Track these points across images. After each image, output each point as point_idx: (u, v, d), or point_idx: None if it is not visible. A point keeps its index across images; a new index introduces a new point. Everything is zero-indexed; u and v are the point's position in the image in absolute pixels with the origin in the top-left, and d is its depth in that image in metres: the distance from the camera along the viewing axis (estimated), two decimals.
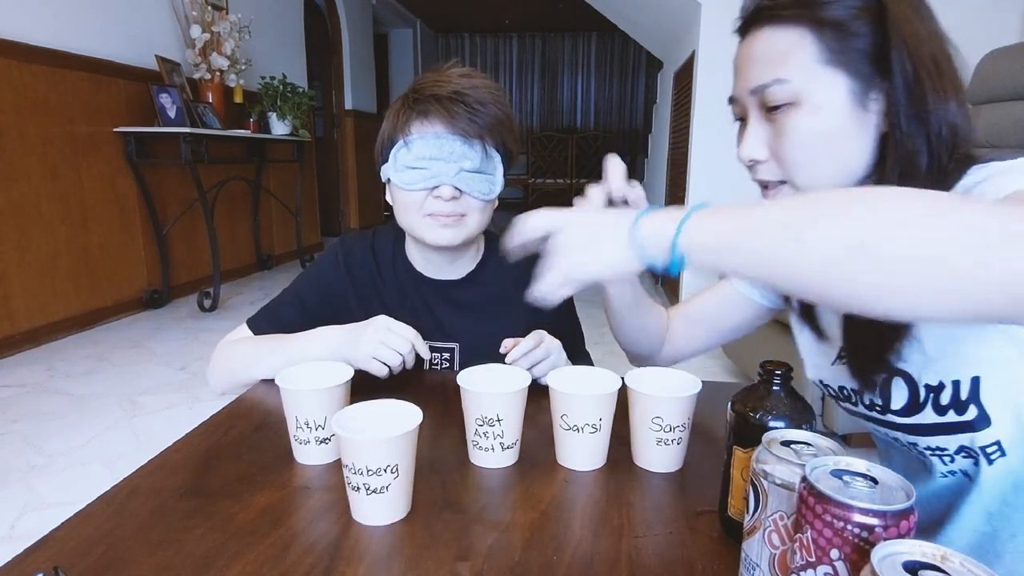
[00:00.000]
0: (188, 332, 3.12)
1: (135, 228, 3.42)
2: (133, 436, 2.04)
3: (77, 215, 3.05)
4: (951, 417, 0.58)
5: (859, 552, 0.35)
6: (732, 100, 0.66)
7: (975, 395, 0.56)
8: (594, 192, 0.69)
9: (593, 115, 9.69)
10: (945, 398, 0.58)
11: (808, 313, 0.75)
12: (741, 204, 0.45)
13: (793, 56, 0.58)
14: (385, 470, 0.54)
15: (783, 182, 0.63)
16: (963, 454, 0.60)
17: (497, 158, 0.92)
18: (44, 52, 2.84)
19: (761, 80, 0.60)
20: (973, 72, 2.18)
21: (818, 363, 0.74)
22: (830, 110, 0.58)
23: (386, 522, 0.56)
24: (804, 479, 0.38)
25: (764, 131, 0.62)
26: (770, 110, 0.61)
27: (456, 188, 0.88)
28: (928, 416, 0.60)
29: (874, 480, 0.38)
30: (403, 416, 0.58)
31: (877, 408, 0.65)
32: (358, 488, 0.55)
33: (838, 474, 0.38)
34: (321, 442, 0.66)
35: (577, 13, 6.56)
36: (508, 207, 0.94)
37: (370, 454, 0.54)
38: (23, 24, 2.76)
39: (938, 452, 0.62)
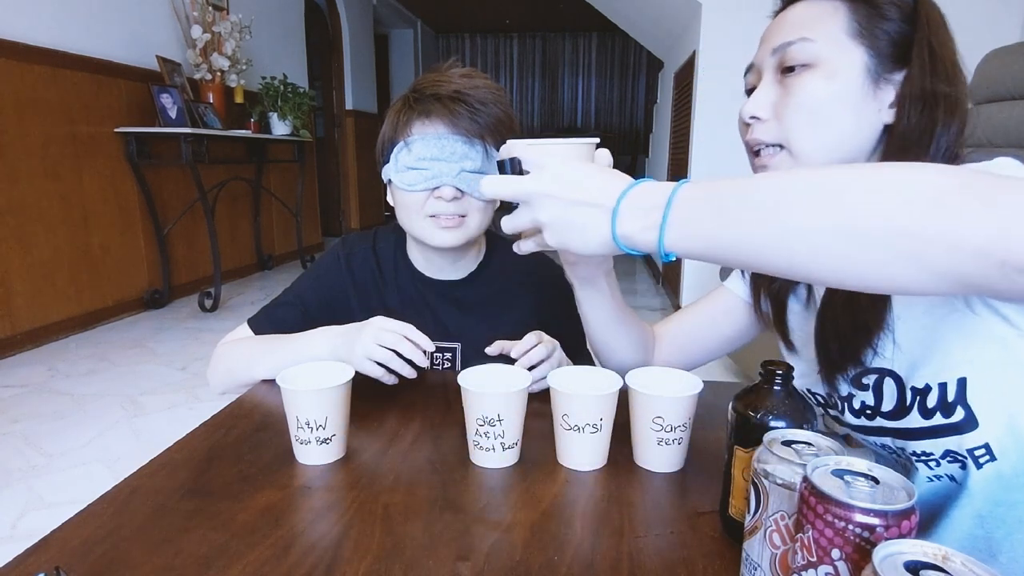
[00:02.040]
0: (189, 332, 3.13)
1: (136, 228, 3.42)
2: (134, 436, 2.04)
3: (78, 215, 3.06)
4: (937, 420, 0.58)
5: (860, 552, 0.35)
6: (748, 69, 0.68)
7: (962, 397, 0.56)
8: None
9: (594, 115, 9.69)
10: (931, 401, 0.58)
11: (779, 322, 0.75)
12: (720, 186, 0.43)
13: (823, 22, 0.61)
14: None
15: (776, 146, 0.64)
16: (949, 458, 0.59)
17: None
18: (44, 52, 2.84)
19: (789, 37, 0.62)
20: (973, 72, 2.18)
21: (804, 371, 0.73)
22: (844, 78, 0.60)
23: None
24: (805, 479, 0.38)
25: (774, 92, 0.64)
26: (785, 71, 0.63)
27: (457, 189, 0.88)
28: (915, 420, 0.60)
29: (875, 480, 0.38)
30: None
31: (867, 412, 0.65)
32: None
33: (839, 474, 0.38)
34: (322, 442, 0.66)
35: (578, 13, 6.56)
36: (509, 207, 0.93)
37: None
38: (23, 24, 2.76)
39: (924, 457, 0.61)
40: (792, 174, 0.42)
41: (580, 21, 8.18)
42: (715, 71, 3.14)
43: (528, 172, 0.53)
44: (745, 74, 0.69)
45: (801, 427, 0.49)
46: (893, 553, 0.31)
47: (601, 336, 0.82)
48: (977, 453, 0.56)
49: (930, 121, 0.59)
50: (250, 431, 0.74)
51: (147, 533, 0.54)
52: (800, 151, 0.63)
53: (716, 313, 0.86)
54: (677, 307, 3.54)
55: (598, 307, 0.79)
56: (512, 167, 0.53)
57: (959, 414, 0.56)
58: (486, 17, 8.75)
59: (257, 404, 0.83)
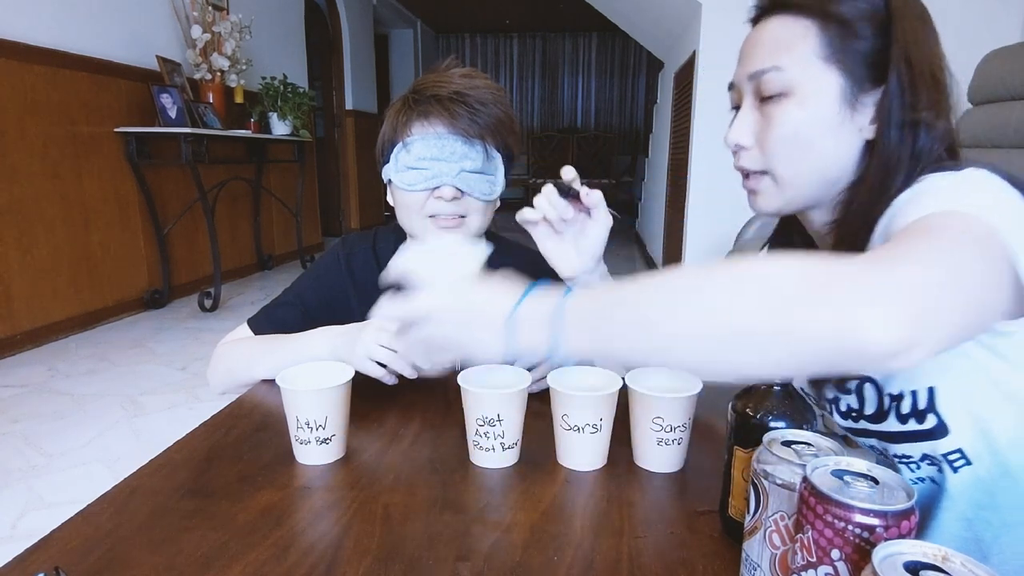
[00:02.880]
0: (189, 332, 3.13)
1: (136, 228, 3.42)
2: (134, 436, 2.04)
3: (78, 215, 3.05)
4: (912, 426, 0.59)
5: (860, 552, 0.35)
6: (731, 86, 0.68)
7: (932, 404, 0.57)
8: (549, 188, 0.76)
9: (594, 115, 9.69)
10: (905, 407, 0.59)
11: None
12: (602, 299, 0.46)
13: (795, 47, 0.60)
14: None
15: (764, 172, 0.64)
16: (927, 462, 0.60)
17: (498, 158, 0.92)
18: (44, 52, 2.84)
19: (760, 65, 0.62)
20: (973, 72, 2.18)
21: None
22: (819, 105, 0.60)
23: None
24: (805, 479, 0.38)
25: (754, 119, 0.64)
26: (764, 100, 0.62)
27: (457, 189, 0.88)
28: (893, 424, 0.61)
29: (875, 480, 0.38)
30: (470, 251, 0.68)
31: (852, 415, 0.65)
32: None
33: (839, 474, 0.38)
34: (321, 442, 0.66)
35: (578, 13, 6.56)
36: (509, 207, 0.94)
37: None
38: (23, 24, 2.76)
39: (904, 459, 0.62)
40: (665, 282, 0.44)
41: (580, 21, 8.17)
42: (715, 71, 3.14)
43: (415, 290, 0.54)
44: (728, 88, 0.69)
45: (801, 427, 0.49)
46: (893, 553, 0.31)
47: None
48: (951, 458, 0.58)
49: (911, 136, 0.58)
50: (250, 431, 0.74)
51: (147, 533, 0.54)
52: (782, 177, 0.63)
53: None
54: None
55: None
56: (401, 287, 0.54)
57: (931, 421, 0.58)
58: (486, 17, 8.74)
59: (257, 404, 0.83)
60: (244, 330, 0.98)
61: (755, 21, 0.65)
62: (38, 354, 2.77)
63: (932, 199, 0.49)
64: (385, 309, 0.54)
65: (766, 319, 0.39)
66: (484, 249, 0.65)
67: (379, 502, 0.59)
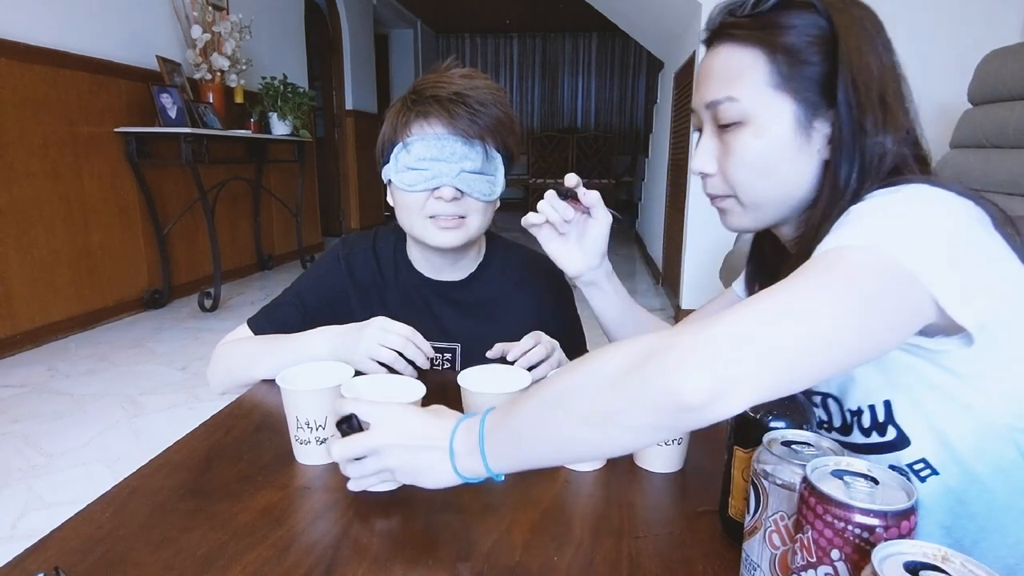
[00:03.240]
0: (189, 332, 3.13)
1: (136, 228, 3.42)
2: (134, 436, 2.04)
3: (78, 215, 3.05)
4: (875, 438, 0.60)
5: (860, 552, 0.35)
6: (692, 111, 0.69)
7: (890, 417, 0.58)
8: (550, 192, 0.78)
9: (594, 115, 9.69)
10: (865, 421, 0.60)
11: None
12: (507, 418, 0.51)
13: (746, 76, 0.60)
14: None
15: (729, 195, 0.66)
16: (896, 472, 0.61)
17: (498, 159, 0.92)
18: (44, 52, 2.84)
19: (715, 96, 0.62)
20: (973, 72, 2.18)
21: None
22: (774, 133, 0.60)
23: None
24: (805, 479, 0.38)
25: (715, 146, 0.65)
26: (722, 127, 0.63)
27: (457, 189, 0.88)
28: (858, 437, 0.62)
29: (875, 480, 0.38)
30: (407, 388, 0.68)
31: (824, 427, 0.66)
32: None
33: (839, 474, 0.38)
34: (321, 442, 0.66)
35: (578, 13, 6.55)
36: (509, 208, 0.94)
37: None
38: (23, 24, 2.76)
39: None
40: (542, 394, 0.50)
41: (580, 21, 8.17)
42: None
43: (367, 425, 0.58)
44: (690, 112, 0.70)
45: (801, 427, 0.49)
46: (893, 553, 0.31)
47: (615, 332, 0.88)
48: (916, 467, 0.58)
49: (859, 155, 0.58)
50: (250, 431, 0.74)
51: (147, 533, 0.54)
52: (746, 201, 0.65)
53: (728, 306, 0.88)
54: (677, 307, 3.54)
55: (608, 305, 0.86)
56: (352, 425, 0.58)
57: (891, 433, 0.58)
58: (486, 17, 8.74)
59: (257, 404, 0.83)
60: (244, 330, 0.98)
61: (708, 44, 0.66)
62: (38, 354, 2.77)
63: (848, 229, 0.50)
64: (338, 448, 0.57)
65: (607, 403, 0.45)
66: (422, 388, 0.68)
67: (379, 502, 0.60)
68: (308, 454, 0.67)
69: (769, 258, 0.76)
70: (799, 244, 0.63)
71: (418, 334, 0.83)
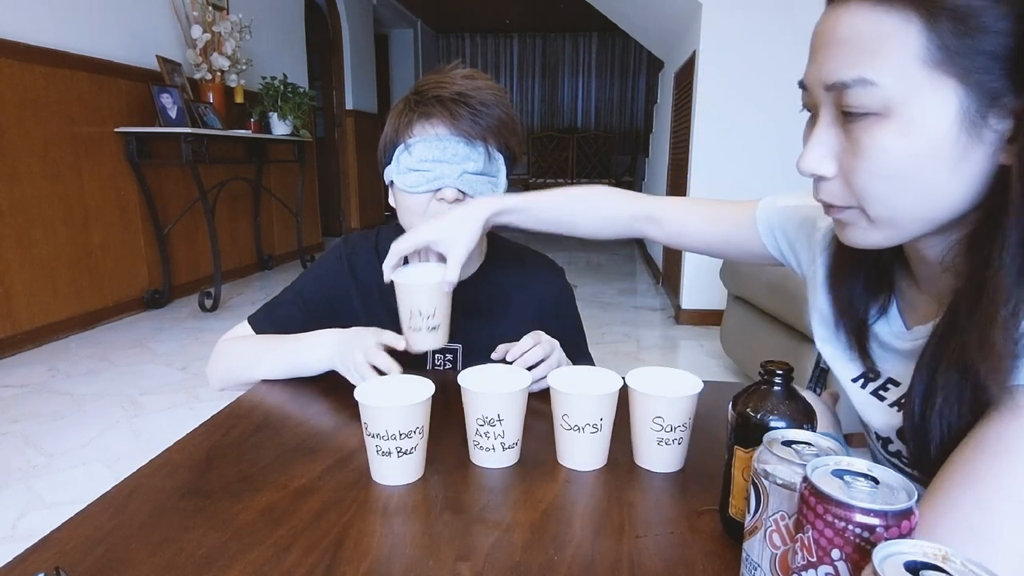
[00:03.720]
0: (189, 332, 3.13)
1: (136, 228, 3.42)
2: (134, 436, 2.04)
3: (78, 215, 3.06)
4: None
5: (860, 552, 0.35)
6: (802, 85, 0.52)
7: None
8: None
9: (594, 115, 9.69)
10: None
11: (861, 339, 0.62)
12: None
13: (890, 50, 0.44)
14: (415, 432, 0.62)
15: (852, 207, 0.51)
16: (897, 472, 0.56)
17: (500, 160, 0.92)
18: (44, 52, 2.84)
19: (840, 75, 0.46)
20: None
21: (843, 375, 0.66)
22: (929, 130, 0.44)
23: (413, 479, 0.64)
24: (805, 479, 0.38)
25: (835, 140, 0.49)
26: (848, 115, 0.47)
27: (459, 190, 0.88)
28: None
29: (875, 480, 0.38)
30: (418, 386, 0.66)
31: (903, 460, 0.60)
32: (389, 452, 0.61)
33: (839, 474, 0.38)
34: (432, 329, 0.78)
35: (578, 13, 6.56)
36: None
37: (403, 419, 0.61)
38: (23, 24, 2.76)
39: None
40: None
41: (580, 21, 8.17)
42: (715, 71, 3.14)
43: None
44: (799, 86, 0.53)
45: (801, 427, 0.49)
46: (893, 553, 0.31)
47: (557, 229, 0.86)
48: None
49: None
50: (250, 431, 0.74)
51: (147, 533, 0.54)
52: (879, 218, 0.49)
53: (741, 222, 0.78)
54: (677, 307, 3.54)
55: (529, 225, 0.85)
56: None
57: None
58: (486, 17, 8.74)
59: (257, 404, 0.83)
60: (245, 328, 0.97)
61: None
62: (38, 354, 2.77)
63: None
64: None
65: None
66: (431, 385, 0.67)
67: (379, 502, 0.60)
68: (421, 340, 0.78)
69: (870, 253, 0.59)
70: (962, 276, 0.48)
71: (389, 361, 0.81)
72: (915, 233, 0.50)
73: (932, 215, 0.48)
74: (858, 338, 0.61)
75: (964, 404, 0.47)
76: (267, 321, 0.97)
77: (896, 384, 0.59)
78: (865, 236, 0.52)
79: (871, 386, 0.62)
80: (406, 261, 0.83)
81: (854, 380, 0.64)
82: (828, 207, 0.53)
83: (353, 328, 0.87)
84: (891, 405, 0.59)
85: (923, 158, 0.45)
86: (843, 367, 0.65)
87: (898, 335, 0.59)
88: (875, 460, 0.67)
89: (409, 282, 0.77)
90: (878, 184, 0.47)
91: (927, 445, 0.50)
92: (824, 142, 0.50)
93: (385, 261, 0.80)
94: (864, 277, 0.60)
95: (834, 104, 0.48)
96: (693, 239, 0.82)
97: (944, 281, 0.52)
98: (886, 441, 0.60)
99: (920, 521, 0.35)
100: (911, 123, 0.44)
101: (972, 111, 0.43)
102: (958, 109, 0.43)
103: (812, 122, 0.51)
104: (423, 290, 0.77)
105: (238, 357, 0.93)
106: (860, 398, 0.63)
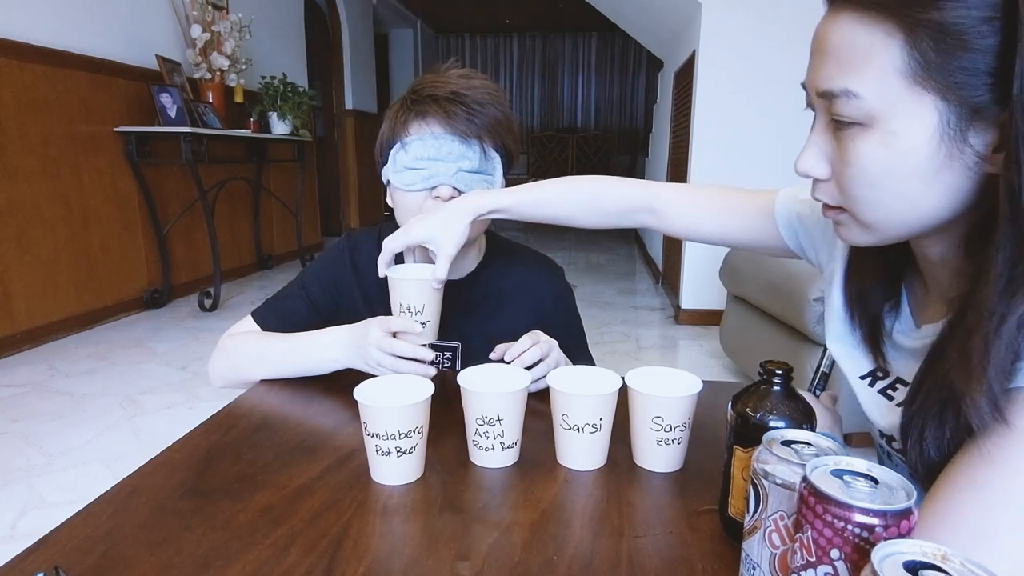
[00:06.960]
0: (189, 332, 3.13)
1: (136, 228, 3.42)
2: (133, 436, 2.04)
3: (78, 215, 3.06)
4: None
5: (859, 552, 0.35)
6: (804, 86, 0.54)
7: None
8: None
9: (594, 115, 9.70)
10: None
11: (874, 337, 0.62)
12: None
13: (874, 63, 0.45)
14: (414, 432, 0.62)
15: (843, 209, 0.53)
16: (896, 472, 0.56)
17: (496, 159, 0.92)
18: (44, 52, 2.84)
19: (828, 85, 0.48)
20: None
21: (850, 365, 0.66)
22: (907, 144, 0.45)
23: (412, 478, 0.63)
24: (805, 479, 0.38)
25: (828, 145, 0.51)
26: (837, 122, 0.49)
27: (455, 188, 0.88)
28: None
29: (875, 480, 0.38)
30: (417, 386, 0.66)
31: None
32: (389, 452, 0.61)
33: (839, 474, 0.38)
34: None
35: (578, 13, 6.56)
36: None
37: (402, 419, 0.61)
38: (23, 24, 2.76)
39: None
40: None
41: (580, 21, 8.17)
42: (715, 71, 3.14)
43: None
44: (802, 86, 0.54)
45: (801, 427, 0.49)
46: (892, 553, 0.31)
47: (552, 222, 0.86)
48: None
49: None
50: (249, 431, 0.74)
51: (146, 533, 0.54)
52: (866, 222, 0.51)
53: (762, 209, 0.77)
54: (677, 307, 3.54)
55: (523, 219, 0.84)
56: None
57: None
58: (486, 17, 8.75)
59: (257, 404, 0.83)
60: (249, 323, 0.97)
61: (829, 2, 0.49)
62: (38, 354, 2.77)
63: None
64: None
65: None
66: (431, 386, 0.67)
67: (379, 502, 0.60)
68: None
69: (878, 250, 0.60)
70: (964, 277, 0.49)
71: (411, 347, 0.81)
72: (903, 236, 0.52)
73: (916, 221, 0.50)
74: (871, 333, 0.62)
75: (956, 411, 0.47)
76: (272, 315, 0.97)
77: (905, 384, 0.60)
78: (856, 237, 0.54)
79: (879, 384, 0.62)
80: (402, 259, 0.84)
81: (862, 377, 0.64)
82: (824, 207, 0.55)
83: (358, 324, 0.87)
84: (898, 405, 0.59)
85: (903, 169, 0.46)
86: (853, 364, 0.65)
87: (908, 332, 0.60)
88: (880, 459, 0.67)
89: (399, 277, 0.80)
90: (864, 191, 0.49)
91: (921, 445, 0.50)
92: (819, 145, 0.52)
93: (379, 258, 0.81)
94: (880, 273, 0.62)
95: (825, 111, 0.50)
96: (707, 230, 0.80)
97: (948, 280, 0.53)
98: (890, 439, 0.61)
99: (921, 524, 0.35)
100: (892, 135, 0.46)
101: (953, 124, 0.44)
102: (938, 123, 0.44)
103: (814, 122, 0.54)
104: (413, 286, 0.79)
105: (244, 355, 0.92)
106: (867, 396, 0.63)
